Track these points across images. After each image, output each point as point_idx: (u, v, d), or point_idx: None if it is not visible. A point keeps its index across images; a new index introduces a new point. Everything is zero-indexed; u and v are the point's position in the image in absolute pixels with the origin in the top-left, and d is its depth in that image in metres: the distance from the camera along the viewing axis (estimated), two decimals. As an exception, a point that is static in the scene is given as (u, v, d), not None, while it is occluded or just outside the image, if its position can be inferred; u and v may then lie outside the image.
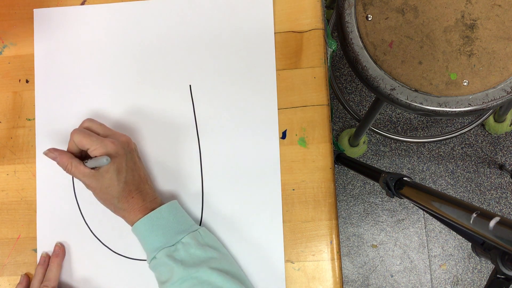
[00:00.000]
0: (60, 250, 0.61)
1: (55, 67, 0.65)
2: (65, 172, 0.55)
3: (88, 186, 0.55)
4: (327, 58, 0.64)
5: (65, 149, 0.56)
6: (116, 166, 0.53)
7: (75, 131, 0.54)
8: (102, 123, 0.57)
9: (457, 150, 1.45)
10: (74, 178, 0.63)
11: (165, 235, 0.53)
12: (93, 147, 0.53)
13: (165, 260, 0.52)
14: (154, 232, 0.53)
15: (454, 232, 1.25)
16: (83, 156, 0.57)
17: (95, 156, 0.53)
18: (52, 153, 0.55)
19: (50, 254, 0.61)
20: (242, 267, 0.60)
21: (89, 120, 0.57)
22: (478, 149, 1.45)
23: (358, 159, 1.39)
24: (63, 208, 0.63)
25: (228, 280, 0.52)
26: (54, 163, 0.63)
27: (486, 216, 0.43)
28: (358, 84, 1.49)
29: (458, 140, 1.46)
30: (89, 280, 0.61)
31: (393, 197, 0.66)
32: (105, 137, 0.55)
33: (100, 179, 0.53)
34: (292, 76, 0.62)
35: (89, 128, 0.56)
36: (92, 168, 0.54)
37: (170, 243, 0.53)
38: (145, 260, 0.61)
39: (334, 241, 0.59)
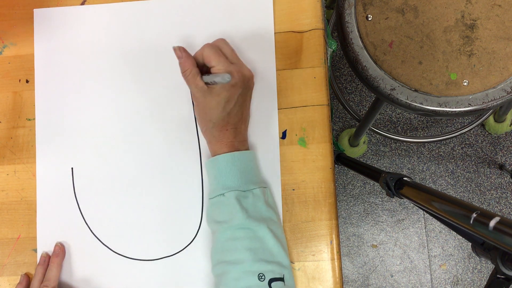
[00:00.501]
0: (60, 250, 0.61)
1: (55, 67, 0.65)
2: (183, 78, 0.54)
3: (195, 99, 0.55)
4: (327, 58, 0.64)
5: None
6: (229, 94, 0.53)
7: (207, 45, 0.54)
8: (234, 49, 0.56)
9: (457, 150, 1.45)
10: (74, 178, 0.63)
11: (241, 179, 0.54)
12: (218, 66, 0.52)
13: (232, 201, 0.52)
14: (232, 171, 0.53)
15: (454, 232, 1.25)
16: (201, 71, 0.56)
17: (213, 69, 0.53)
18: (180, 52, 0.55)
19: (50, 254, 0.61)
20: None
21: (223, 41, 0.56)
22: (478, 149, 1.45)
23: (358, 159, 1.39)
24: (63, 208, 0.63)
25: (279, 246, 0.53)
26: (54, 163, 0.63)
27: (486, 216, 0.43)
28: (358, 84, 1.49)
29: (458, 140, 1.46)
30: (89, 280, 0.61)
31: (393, 197, 0.66)
32: (231, 63, 0.54)
33: (208, 97, 0.53)
34: (292, 76, 0.62)
35: (221, 48, 0.55)
36: (206, 84, 0.53)
37: (242, 188, 0.53)
38: (145, 260, 0.61)
39: (334, 241, 0.60)
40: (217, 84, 0.53)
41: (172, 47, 0.55)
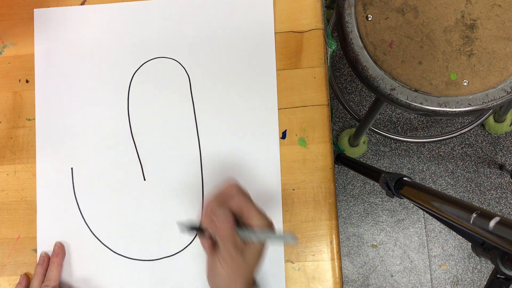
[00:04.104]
0: (60, 249, 0.61)
1: (55, 67, 0.65)
2: (217, 235, 0.47)
3: (222, 258, 0.47)
4: (327, 58, 0.64)
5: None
6: (264, 245, 0.48)
7: (240, 193, 0.48)
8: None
9: (457, 150, 1.45)
10: (74, 178, 0.63)
11: None
12: (257, 220, 0.47)
13: None
14: None
15: (454, 232, 1.25)
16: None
17: (256, 227, 0.47)
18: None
19: (50, 254, 0.61)
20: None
21: (239, 185, 0.50)
22: (478, 149, 1.45)
23: (358, 159, 1.39)
24: (63, 208, 0.63)
25: None
26: (54, 163, 0.63)
27: (486, 216, 0.43)
28: (358, 84, 1.49)
29: (458, 140, 1.46)
30: (89, 280, 0.61)
31: (393, 197, 0.66)
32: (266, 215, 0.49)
33: (243, 254, 0.47)
34: (292, 76, 0.62)
35: (249, 196, 0.50)
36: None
37: None
38: (145, 260, 0.61)
39: (334, 241, 0.59)
40: (265, 240, 0.48)
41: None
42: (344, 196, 1.46)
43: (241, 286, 0.47)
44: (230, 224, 0.47)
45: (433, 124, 1.46)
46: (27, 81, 0.65)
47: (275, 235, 0.48)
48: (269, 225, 0.48)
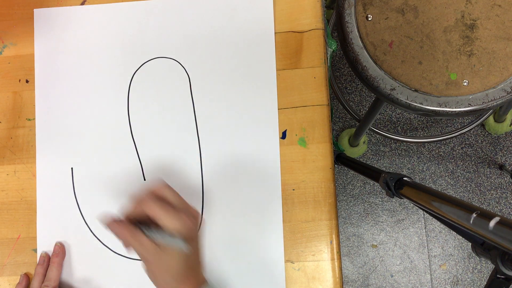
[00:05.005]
0: (60, 249, 0.61)
1: (55, 67, 0.65)
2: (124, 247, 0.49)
3: (145, 260, 0.47)
4: (327, 58, 0.64)
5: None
6: (187, 245, 0.47)
7: (149, 199, 0.47)
8: (176, 192, 0.50)
9: (457, 150, 1.45)
10: (74, 178, 0.63)
11: None
12: (169, 223, 0.46)
13: None
14: None
15: (454, 232, 1.25)
16: (140, 221, 0.49)
17: (166, 232, 0.47)
18: (113, 225, 0.48)
19: (50, 254, 0.61)
20: (242, 268, 0.60)
21: (165, 186, 0.49)
22: (478, 149, 1.45)
23: (358, 159, 1.39)
24: (63, 208, 0.63)
25: None
26: (54, 163, 0.63)
27: (486, 216, 0.43)
28: (358, 84, 1.49)
29: (458, 140, 1.46)
30: (89, 280, 0.61)
31: (393, 197, 0.66)
32: (180, 212, 0.47)
33: (163, 257, 0.46)
34: (292, 76, 0.62)
35: (165, 197, 0.49)
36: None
37: None
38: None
39: (334, 241, 0.60)
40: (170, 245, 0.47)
41: (105, 224, 0.48)
42: (344, 196, 1.46)
43: (171, 283, 0.47)
44: (128, 234, 0.47)
45: (433, 124, 1.46)
46: (27, 81, 0.65)
47: (171, 239, 0.46)
48: (177, 229, 0.46)
